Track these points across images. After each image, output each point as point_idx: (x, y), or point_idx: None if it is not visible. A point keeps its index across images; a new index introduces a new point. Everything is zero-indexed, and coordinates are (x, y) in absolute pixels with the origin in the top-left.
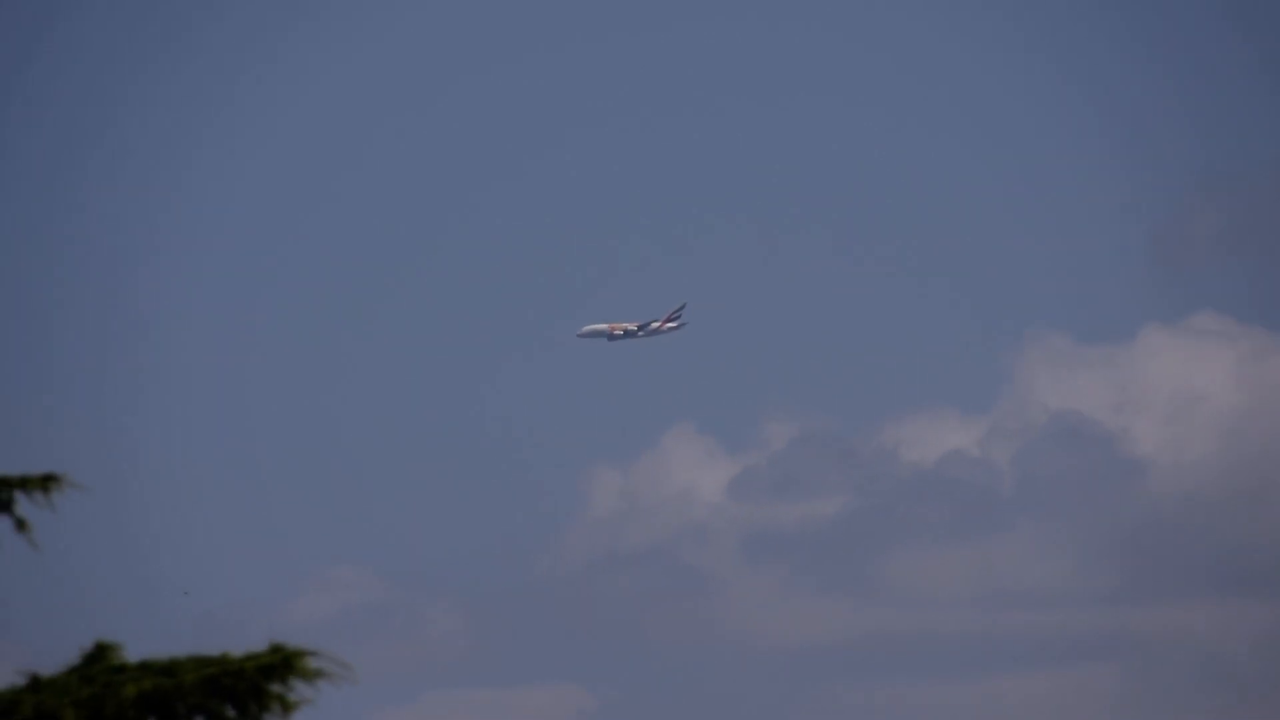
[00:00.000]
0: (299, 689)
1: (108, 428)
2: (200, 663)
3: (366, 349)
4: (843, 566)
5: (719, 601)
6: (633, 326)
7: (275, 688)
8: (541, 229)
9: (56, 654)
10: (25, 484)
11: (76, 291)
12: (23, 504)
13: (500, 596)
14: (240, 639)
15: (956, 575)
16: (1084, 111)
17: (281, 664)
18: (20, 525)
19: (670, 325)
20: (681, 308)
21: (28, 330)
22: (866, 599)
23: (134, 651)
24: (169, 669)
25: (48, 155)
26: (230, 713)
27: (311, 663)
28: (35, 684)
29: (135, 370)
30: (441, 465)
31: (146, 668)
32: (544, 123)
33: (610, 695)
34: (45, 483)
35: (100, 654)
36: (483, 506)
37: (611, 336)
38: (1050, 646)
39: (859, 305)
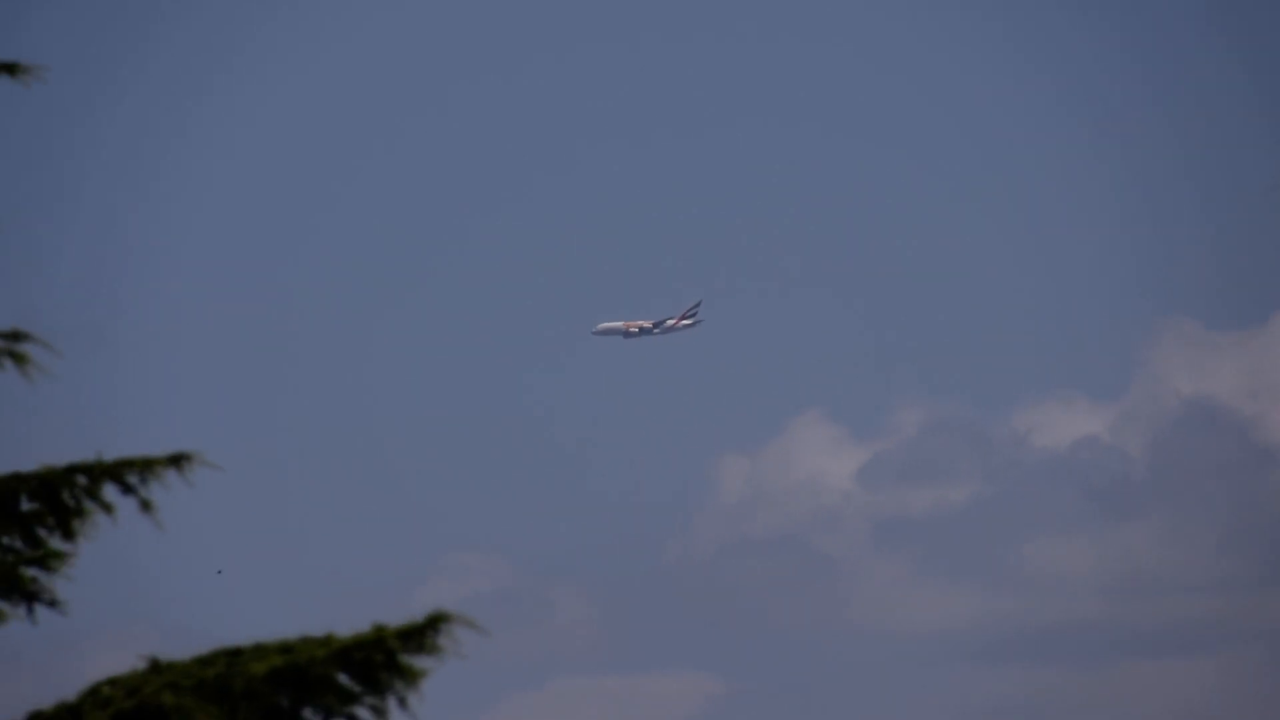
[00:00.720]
0: (427, 663)
1: (234, 410)
2: (316, 642)
3: (488, 338)
4: (973, 553)
5: (848, 588)
6: (648, 324)
7: (405, 659)
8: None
9: (186, 636)
10: (152, 464)
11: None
12: (152, 486)
13: (629, 583)
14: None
15: (1087, 562)
16: (1226, 93)
17: (421, 629)
18: (145, 506)
19: (686, 323)
20: (697, 305)
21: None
22: (996, 586)
23: (246, 633)
24: (288, 647)
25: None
26: (356, 688)
27: (441, 632)
28: (156, 666)
29: (269, 354)
30: (570, 451)
31: (262, 649)
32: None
33: (739, 682)
34: (177, 461)
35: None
36: (612, 493)
37: (627, 334)
38: (1183, 634)
39: (990, 291)
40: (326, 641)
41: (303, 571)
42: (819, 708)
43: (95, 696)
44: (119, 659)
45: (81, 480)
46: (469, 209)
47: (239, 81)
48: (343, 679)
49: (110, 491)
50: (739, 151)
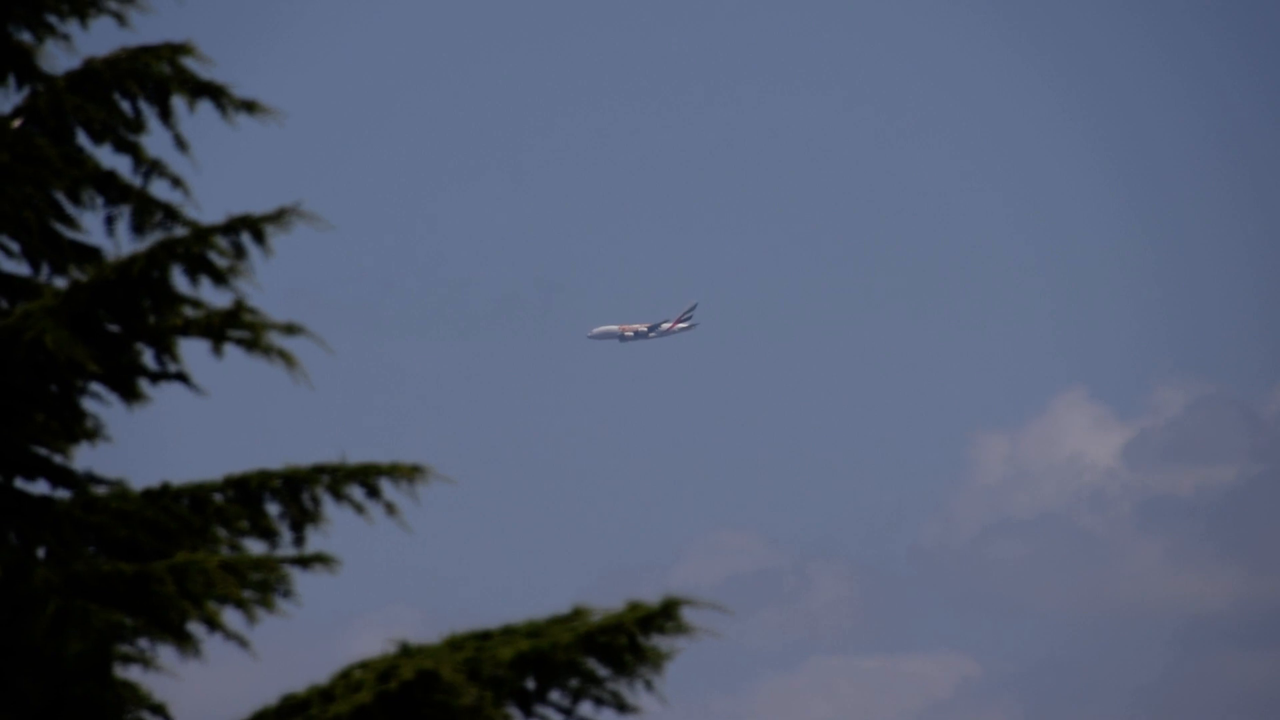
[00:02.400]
0: (675, 644)
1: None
2: (562, 625)
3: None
4: (1239, 533)
5: (1111, 568)
6: (643, 328)
7: (652, 642)
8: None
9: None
10: (395, 472)
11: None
12: (390, 491)
13: (888, 563)
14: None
15: None
16: None
17: (660, 614)
18: (389, 509)
19: (681, 326)
20: (692, 308)
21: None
22: (1264, 567)
23: (506, 614)
24: (535, 630)
25: None
26: (603, 671)
27: (689, 615)
28: (407, 650)
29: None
30: (826, 430)
31: (510, 632)
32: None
33: (997, 664)
34: (412, 472)
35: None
36: (870, 471)
37: (623, 338)
38: None
39: (1247, 266)
40: (572, 625)
41: (559, 551)
42: (1076, 691)
43: (346, 680)
44: (378, 643)
45: (325, 480)
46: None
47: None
48: (589, 662)
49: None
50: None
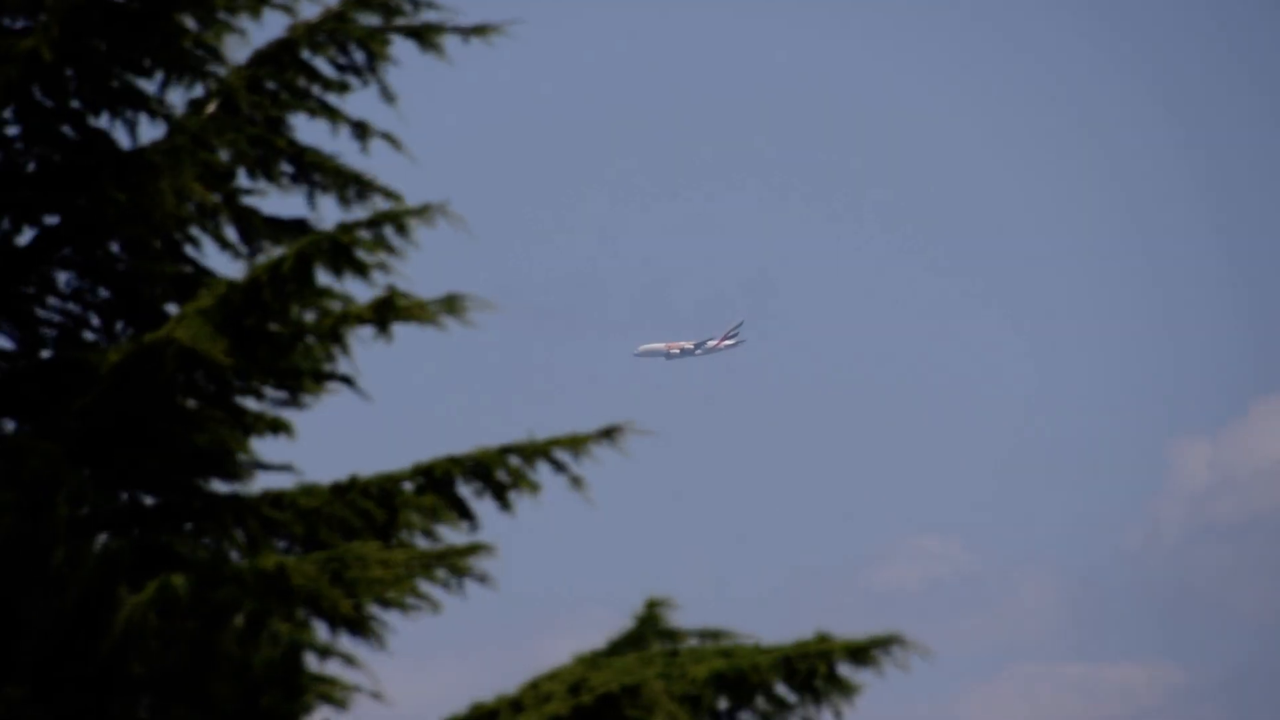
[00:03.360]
0: (863, 674)
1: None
2: (754, 648)
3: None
4: None
5: None
6: (690, 345)
7: (844, 674)
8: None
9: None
10: (583, 441)
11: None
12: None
13: (1091, 569)
14: (822, 604)
15: None
16: None
17: (859, 649)
18: (575, 483)
19: (728, 343)
20: (739, 325)
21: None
22: None
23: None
24: (727, 651)
25: None
26: (793, 696)
27: (887, 651)
28: (595, 662)
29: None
30: (1026, 435)
31: (698, 653)
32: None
33: (1204, 673)
34: (609, 434)
35: (650, 615)
36: (1068, 477)
37: (669, 355)
38: None
39: None
40: (763, 649)
41: (756, 549)
42: None
43: (535, 691)
44: (579, 640)
45: (514, 461)
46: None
47: None
48: (780, 687)
49: (543, 470)
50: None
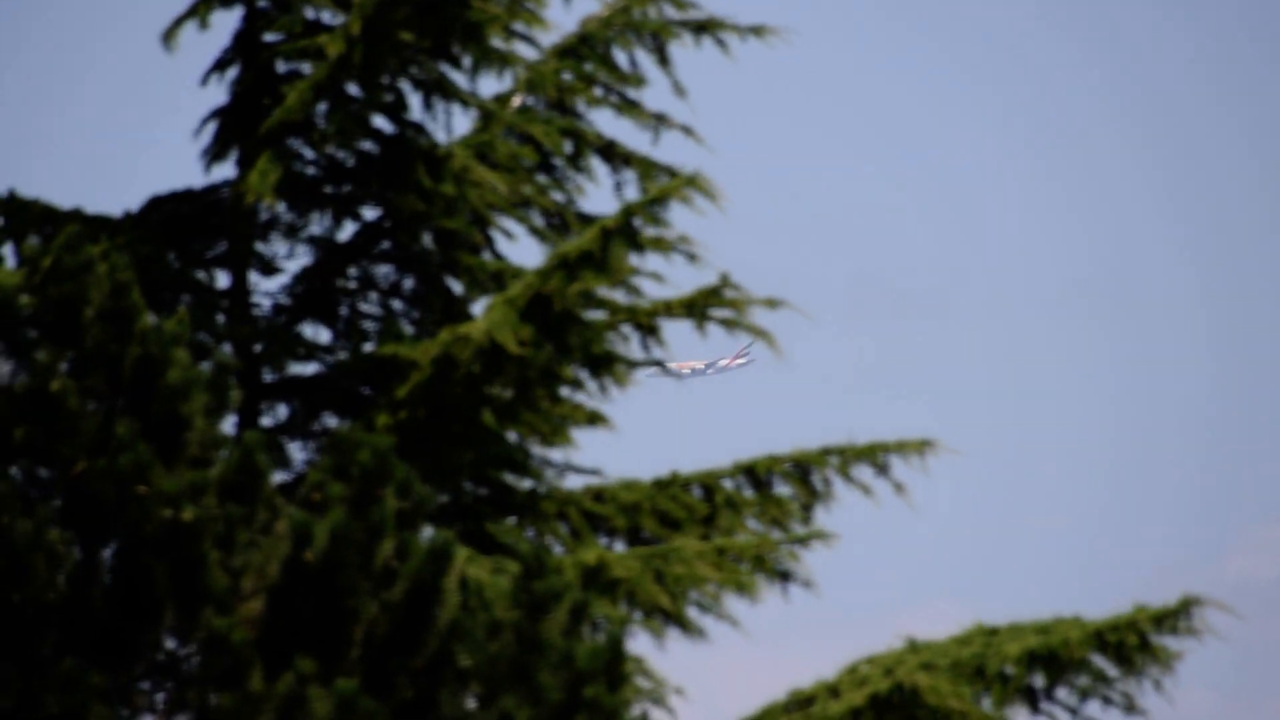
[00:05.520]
0: (1186, 645)
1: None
2: (1069, 623)
3: None
4: None
5: None
6: (700, 365)
7: (1158, 642)
8: None
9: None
10: (903, 448)
11: None
12: (899, 468)
13: None
14: (1159, 598)
15: None
16: None
17: (1174, 614)
18: (897, 489)
19: (739, 362)
20: (749, 346)
21: None
22: None
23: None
24: (1043, 628)
25: None
26: (1111, 670)
27: (1194, 616)
28: (914, 646)
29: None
30: None
31: (1017, 629)
32: None
33: None
34: (921, 447)
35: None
36: None
37: (680, 376)
38: None
39: None
40: (1079, 623)
41: (1085, 544)
42: None
43: (853, 675)
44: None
45: (833, 461)
46: None
47: None
48: (1097, 660)
49: (863, 473)
50: None
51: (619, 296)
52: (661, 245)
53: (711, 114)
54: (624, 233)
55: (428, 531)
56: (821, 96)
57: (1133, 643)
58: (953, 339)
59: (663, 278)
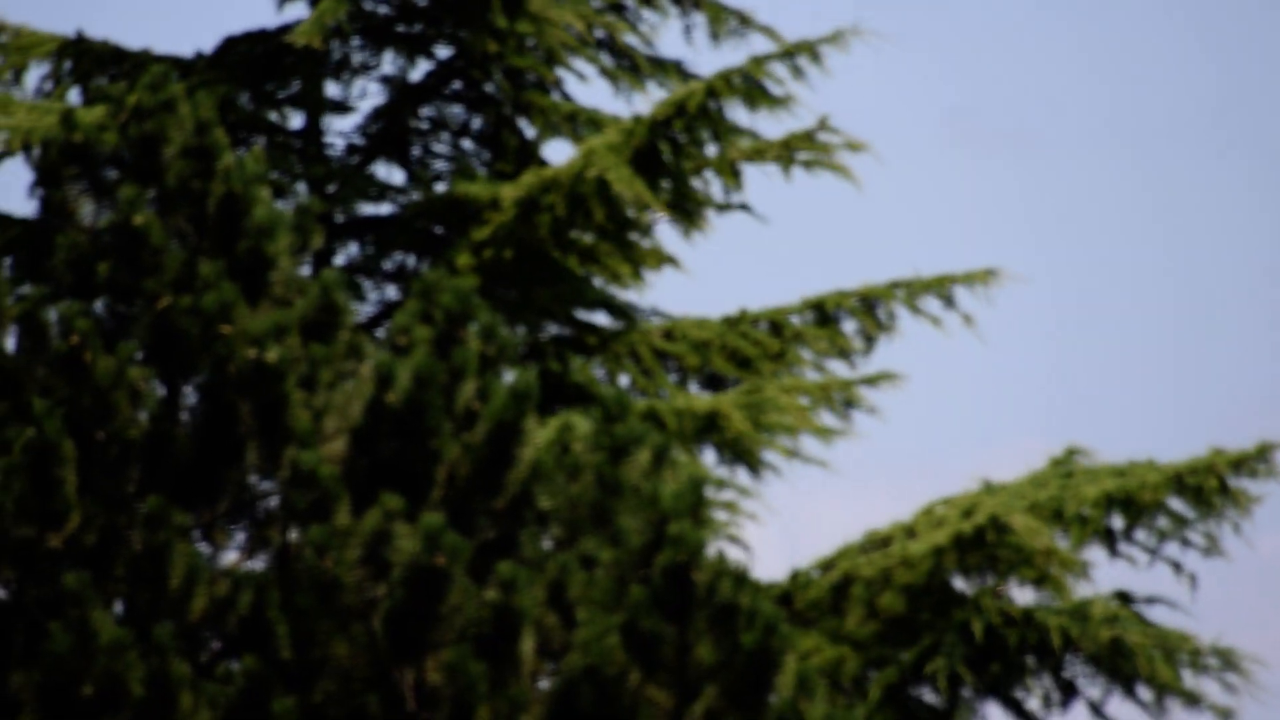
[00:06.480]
0: (1265, 488)
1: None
2: (1146, 466)
3: None
4: None
5: None
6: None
7: (1236, 485)
8: None
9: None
10: (970, 279)
11: None
12: (965, 298)
13: None
14: (1235, 438)
15: None
16: None
17: (1253, 457)
18: (966, 320)
19: None
20: None
21: None
22: None
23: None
24: (1120, 471)
25: None
26: (1189, 513)
27: (1269, 460)
28: (989, 487)
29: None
30: None
31: (1092, 473)
32: None
33: None
34: (985, 277)
35: (1067, 457)
36: None
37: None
38: None
39: None
40: (1155, 467)
41: (1164, 382)
42: None
43: (929, 516)
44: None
45: (900, 294)
46: None
47: None
48: (1175, 504)
49: (931, 305)
50: None
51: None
52: (783, 101)
53: None
54: (749, 84)
55: (509, 376)
56: None
57: (1212, 486)
58: (1048, 176)
59: (757, 134)
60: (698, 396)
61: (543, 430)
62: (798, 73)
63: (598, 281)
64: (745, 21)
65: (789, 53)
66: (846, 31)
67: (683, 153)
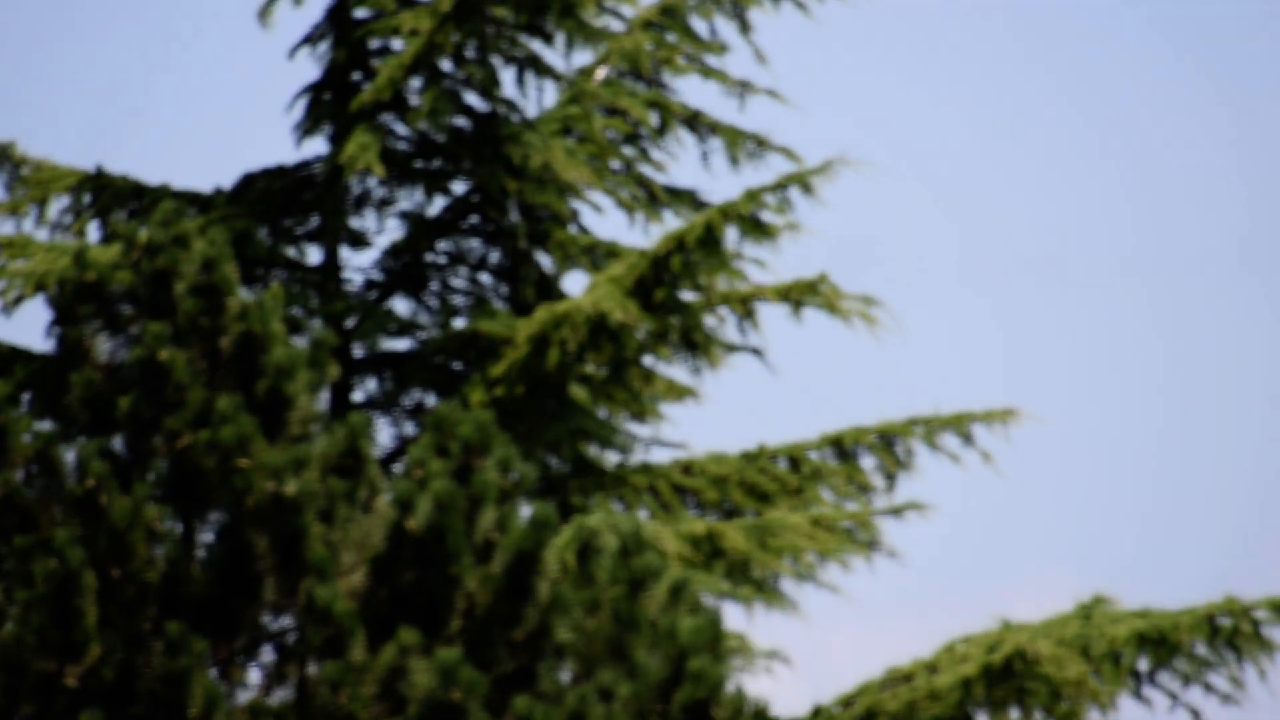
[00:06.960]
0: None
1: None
2: (1170, 612)
3: None
4: None
5: None
6: None
7: (1266, 633)
8: None
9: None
10: (989, 417)
11: None
12: (983, 436)
13: None
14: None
15: None
16: None
17: (1277, 608)
18: (984, 457)
19: None
20: None
21: None
22: None
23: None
24: (1144, 614)
25: None
26: (1214, 656)
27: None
28: (1008, 626)
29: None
30: None
31: (1114, 617)
32: None
33: None
34: (1005, 415)
35: (1094, 603)
36: None
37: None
38: None
39: None
40: (1179, 611)
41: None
42: None
43: (950, 653)
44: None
45: (919, 431)
46: None
47: None
48: (1199, 648)
49: (950, 442)
50: None
51: (718, 278)
52: (772, 231)
53: (794, 78)
54: (743, 217)
55: (525, 510)
56: (909, 54)
57: (1241, 630)
58: (1066, 307)
59: (764, 263)
60: (699, 519)
61: (562, 532)
62: (786, 205)
63: (604, 414)
64: (762, 144)
65: (781, 185)
66: (835, 161)
67: (694, 287)
